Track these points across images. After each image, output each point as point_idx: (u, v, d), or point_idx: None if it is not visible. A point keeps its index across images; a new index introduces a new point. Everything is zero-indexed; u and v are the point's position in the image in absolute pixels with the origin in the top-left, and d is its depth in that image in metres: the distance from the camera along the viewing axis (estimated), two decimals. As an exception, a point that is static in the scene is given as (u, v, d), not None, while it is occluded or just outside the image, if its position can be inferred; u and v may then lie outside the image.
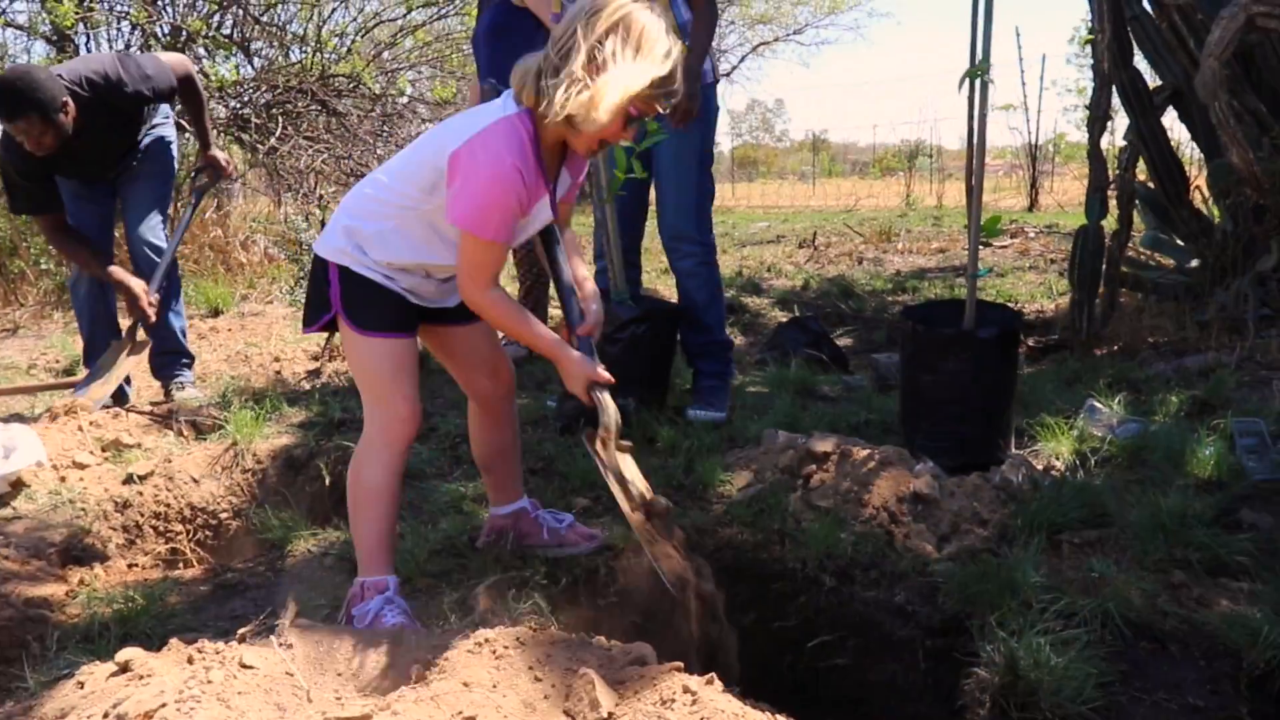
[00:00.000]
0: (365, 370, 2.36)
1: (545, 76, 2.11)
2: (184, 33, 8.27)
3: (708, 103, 3.83)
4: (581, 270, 2.45)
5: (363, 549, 2.37)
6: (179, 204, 6.17)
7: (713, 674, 1.55)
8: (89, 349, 4.46)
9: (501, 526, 2.70)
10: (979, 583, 2.44)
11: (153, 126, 4.31)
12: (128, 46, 8.40)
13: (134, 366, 4.37)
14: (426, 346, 2.61)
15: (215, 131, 4.72)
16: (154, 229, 4.32)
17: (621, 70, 2.06)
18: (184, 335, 4.51)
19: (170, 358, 4.45)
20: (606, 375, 2.34)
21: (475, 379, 2.59)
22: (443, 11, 9.97)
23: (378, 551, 2.35)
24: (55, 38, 8.48)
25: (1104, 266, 5.08)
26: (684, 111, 3.59)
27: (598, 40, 2.06)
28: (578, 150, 2.26)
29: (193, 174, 4.73)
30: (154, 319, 4.17)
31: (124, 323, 4.42)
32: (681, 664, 1.62)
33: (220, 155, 4.60)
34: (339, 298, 2.29)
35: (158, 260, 4.28)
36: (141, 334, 4.30)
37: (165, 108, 4.36)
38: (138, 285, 4.12)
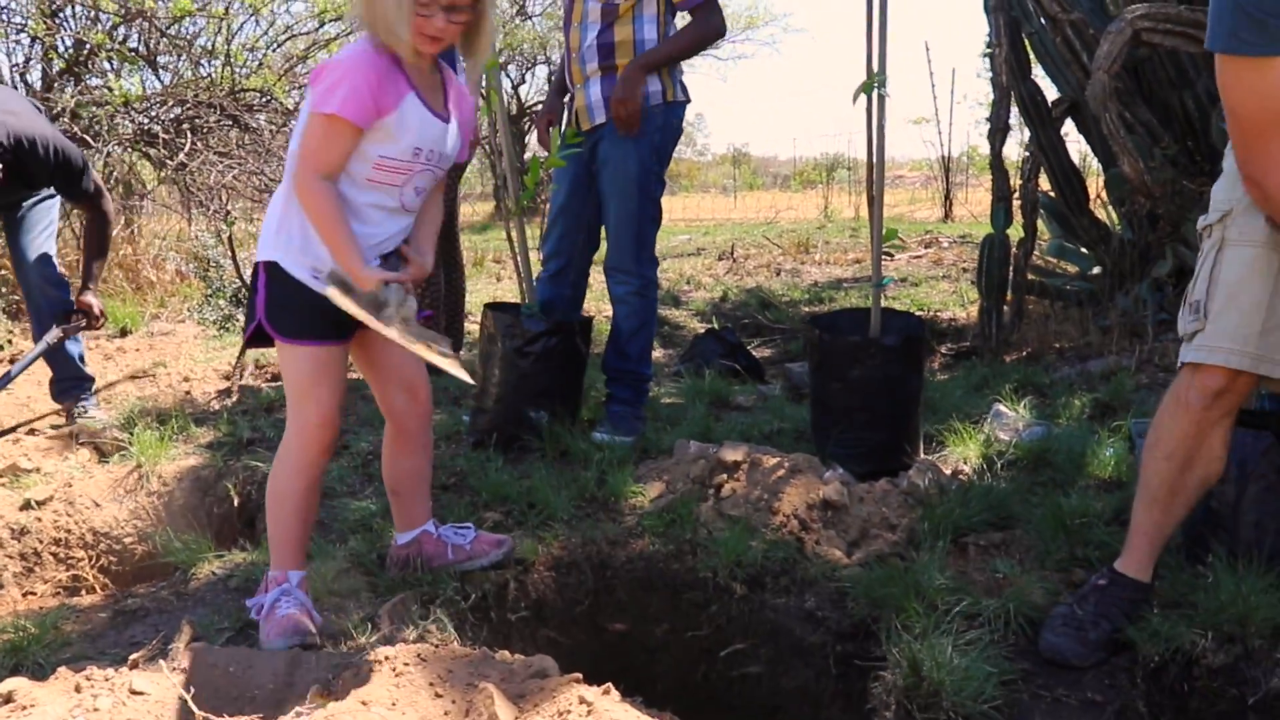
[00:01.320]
0: (286, 375, 2.40)
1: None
2: (87, 46, 8.05)
3: (648, 122, 3.63)
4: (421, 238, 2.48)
5: (271, 544, 2.42)
6: None
7: (609, 684, 1.54)
8: None
9: (404, 556, 2.66)
10: (886, 586, 2.47)
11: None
12: (27, 61, 8.14)
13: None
14: (352, 358, 2.59)
15: (100, 271, 4.33)
16: (45, 259, 4.16)
17: None
18: (82, 360, 4.38)
19: (70, 383, 4.33)
20: (400, 277, 2.31)
21: (391, 395, 2.57)
22: (356, 25, 9.84)
23: (282, 545, 2.40)
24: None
25: (1010, 274, 5.21)
26: (622, 121, 3.54)
27: None
28: (405, 57, 2.25)
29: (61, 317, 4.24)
30: None
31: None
32: (580, 675, 1.61)
33: (95, 303, 4.18)
34: (263, 305, 2.32)
35: (54, 291, 4.15)
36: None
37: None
38: None
